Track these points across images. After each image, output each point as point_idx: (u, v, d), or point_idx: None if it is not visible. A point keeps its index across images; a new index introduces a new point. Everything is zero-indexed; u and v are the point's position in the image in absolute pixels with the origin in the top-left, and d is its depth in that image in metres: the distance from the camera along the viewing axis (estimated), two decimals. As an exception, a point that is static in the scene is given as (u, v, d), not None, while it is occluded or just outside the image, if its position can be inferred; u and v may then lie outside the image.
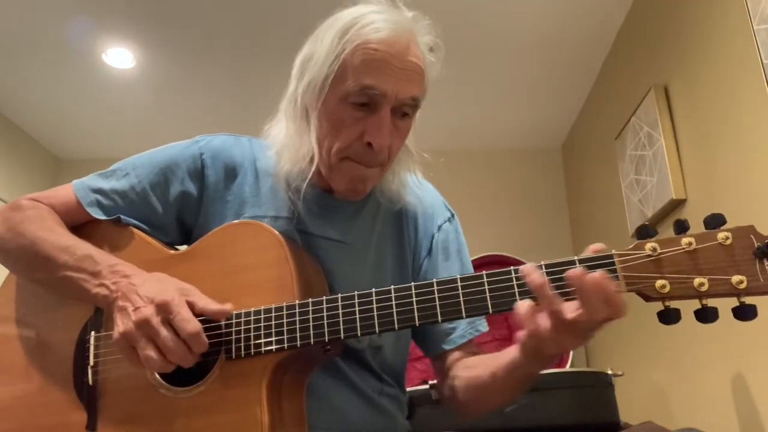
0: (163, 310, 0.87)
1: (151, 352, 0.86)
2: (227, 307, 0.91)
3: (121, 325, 0.88)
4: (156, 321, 0.86)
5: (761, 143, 1.72)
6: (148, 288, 0.90)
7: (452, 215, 1.17)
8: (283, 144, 1.03)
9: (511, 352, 0.86)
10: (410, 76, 0.97)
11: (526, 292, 0.78)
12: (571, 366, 3.02)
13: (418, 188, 1.14)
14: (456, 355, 1.06)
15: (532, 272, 0.76)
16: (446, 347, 1.07)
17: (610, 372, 2.10)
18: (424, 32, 1.01)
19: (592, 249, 0.77)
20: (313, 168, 1.00)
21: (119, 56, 2.99)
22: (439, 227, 1.13)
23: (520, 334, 0.79)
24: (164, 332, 0.86)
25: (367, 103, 0.96)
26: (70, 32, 2.80)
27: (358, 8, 0.99)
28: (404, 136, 1.03)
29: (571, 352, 3.02)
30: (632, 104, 2.54)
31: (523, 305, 0.76)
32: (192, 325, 0.87)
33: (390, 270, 1.09)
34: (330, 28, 0.99)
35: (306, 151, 1.00)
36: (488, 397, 0.97)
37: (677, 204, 2.22)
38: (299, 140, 1.01)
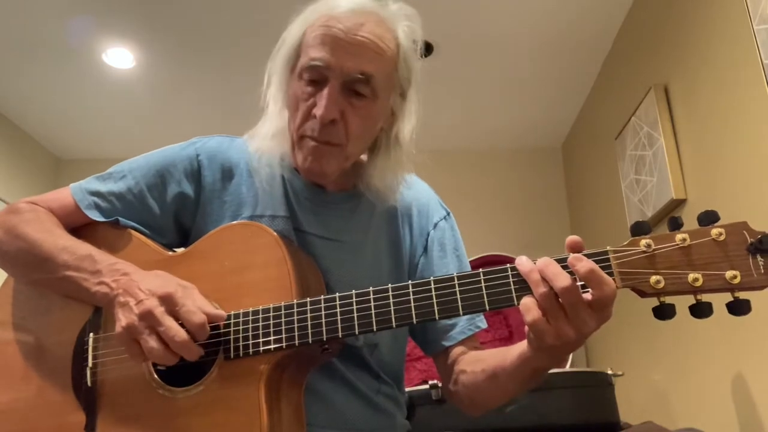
0: (167, 301, 0.87)
1: (155, 344, 0.86)
2: (220, 312, 0.91)
3: (123, 319, 0.88)
4: (160, 311, 0.86)
5: (761, 143, 1.72)
6: (149, 283, 0.90)
7: (448, 213, 1.17)
8: (259, 130, 1.06)
9: (519, 346, 0.86)
10: (360, 51, 0.97)
11: (522, 289, 0.79)
12: (571, 366, 3.02)
13: (412, 187, 1.15)
14: (457, 351, 1.06)
15: (524, 261, 0.79)
16: (446, 344, 1.07)
17: (610, 372, 2.10)
18: (404, 20, 1.02)
19: (568, 243, 0.78)
20: (276, 141, 1.03)
21: (119, 56, 2.99)
22: (435, 225, 1.13)
23: (526, 329, 0.79)
24: (168, 322, 0.86)
25: (318, 80, 0.97)
26: (69, 32, 2.80)
27: None
28: (364, 116, 1.00)
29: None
30: (632, 104, 2.54)
31: (526, 299, 0.77)
32: (198, 316, 0.87)
33: (386, 268, 1.09)
34: (300, 15, 1.03)
35: (273, 129, 1.03)
36: (495, 392, 0.96)
37: (677, 204, 2.22)
38: (274, 122, 1.04)
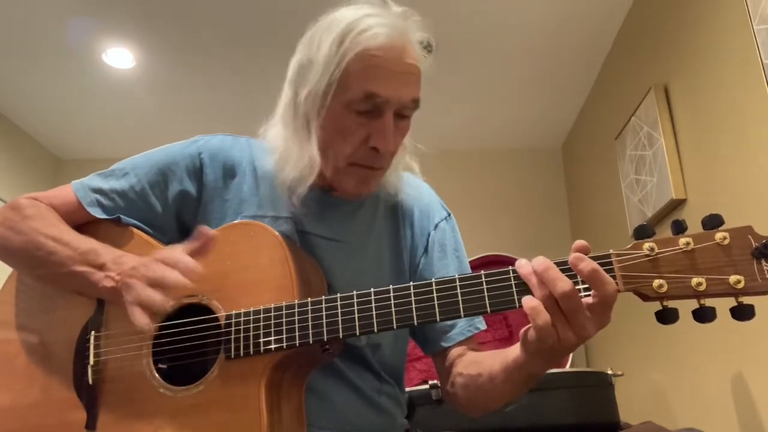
0: (159, 256, 0.88)
1: (149, 291, 0.85)
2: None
3: (130, 297, 0.87)
4: (153, 261, 0.88)
5: (761, 143, 1.72)
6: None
7: (448, 214, 1.18)
8: (283, 152, 1.04)
9: (514, 351, 0.86)
10: (410, 79, 0.99)
11: (524, 291, 0.79)
12: (571, 366, 3.02)
13: (415, 188, 1.15)
14: (456, 352, 1.06)
15: (523, 264, 0.79)
16: (445, 344, 1.07)
17: (610, 372, 2.10)
18: (416, 29, 1.02)
19: (575, 247, 0.77)
20: (314, 176, 1.01)
21: (119, 56, 2.99)
22: (436, 226, 1.14)
23: (523, 331, 0.79)
24: (158, 264, 0.87)
25: (370, 111, 0.97)
26: (70, 32, 2.80)
27: (352, 11, 0.99)
28: (405, 134, 1.05)
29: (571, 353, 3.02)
30: (632, 104, 2.54)
31: (529, 299, 0.77)
32: (181, 254, 0.87)
33: (387, 269, 1.10)
34: (326, 33, 0.98)
35: (307, 159, 1.01)
36: (491, 396, 0.97)
37: (677, 204, 2.22)
38: (300, 149, 1.02)
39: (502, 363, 0.89)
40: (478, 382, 0.97)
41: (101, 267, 0.95)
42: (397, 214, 1.13)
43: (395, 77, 0.97)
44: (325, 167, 1.02)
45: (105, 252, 0.96)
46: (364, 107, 0.97)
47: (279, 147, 1.05)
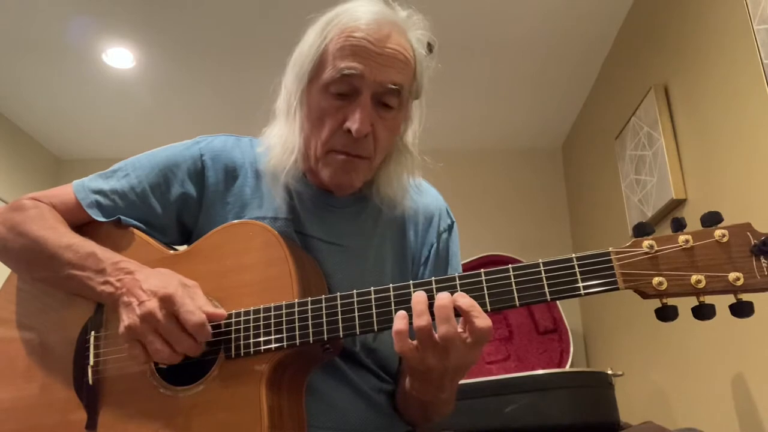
0: (167, 302, 0.88)
1: (158, 345, 0.87)
2: (220, 311, 0.92)
3: (126, 319, 0.88)
4: (161, 314, 0.87)
5: (761, 143, 1.73)
6: (151, 282, 0.90)
7: (452, 223, 1.17)
8: (272, 142, 1.04)
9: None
10: (390, 62, 0.96)
11: (524, 290, 0.79)
12: (571, 366, 3.02)
13: (421, 192, 1.15)
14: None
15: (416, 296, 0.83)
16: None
17: (610, 372, 2.10)
18: (416, 28, 1.02)
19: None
20: (293, 158, 1.00)
21: (119, 56, 2.99)
22: (439, 236, 1.13)
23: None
24: (169, 324, 0.87)
25: (348, 93, 0.96)
26: (70, 32, 2.80)
27: (345, 4, 1.00)
28: (391, 128, 1.02)
29: (571, 352, 3.02)
30: (632, 104, 2.54)
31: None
32: (197, 315, 0.88)
33: (389, 273, 1.09)
34: (315, 26, 1.00)
35: (291, 145, 1.01)
36: (409, 410, 1.04)
37: (677, 204, 2.22)
38: (288, 136, 1.02)
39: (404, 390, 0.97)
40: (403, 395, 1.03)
41: (101, 272, 0.95)
42: (402, 218, 1.11)
43: (372, 56, 0.95)
44: (309, 157, 1.02)
45: (105, 256, 0.96)
46: (341, 88, 0.96)
47: (270, 140, 1.05)
